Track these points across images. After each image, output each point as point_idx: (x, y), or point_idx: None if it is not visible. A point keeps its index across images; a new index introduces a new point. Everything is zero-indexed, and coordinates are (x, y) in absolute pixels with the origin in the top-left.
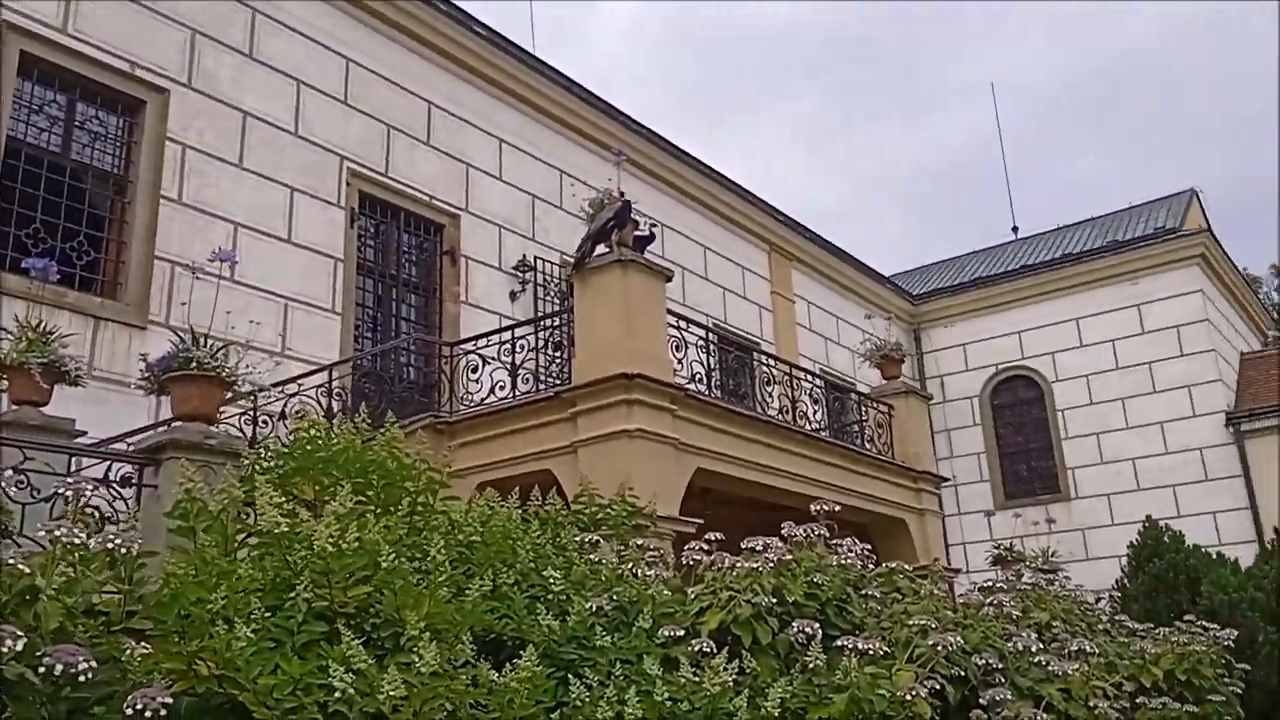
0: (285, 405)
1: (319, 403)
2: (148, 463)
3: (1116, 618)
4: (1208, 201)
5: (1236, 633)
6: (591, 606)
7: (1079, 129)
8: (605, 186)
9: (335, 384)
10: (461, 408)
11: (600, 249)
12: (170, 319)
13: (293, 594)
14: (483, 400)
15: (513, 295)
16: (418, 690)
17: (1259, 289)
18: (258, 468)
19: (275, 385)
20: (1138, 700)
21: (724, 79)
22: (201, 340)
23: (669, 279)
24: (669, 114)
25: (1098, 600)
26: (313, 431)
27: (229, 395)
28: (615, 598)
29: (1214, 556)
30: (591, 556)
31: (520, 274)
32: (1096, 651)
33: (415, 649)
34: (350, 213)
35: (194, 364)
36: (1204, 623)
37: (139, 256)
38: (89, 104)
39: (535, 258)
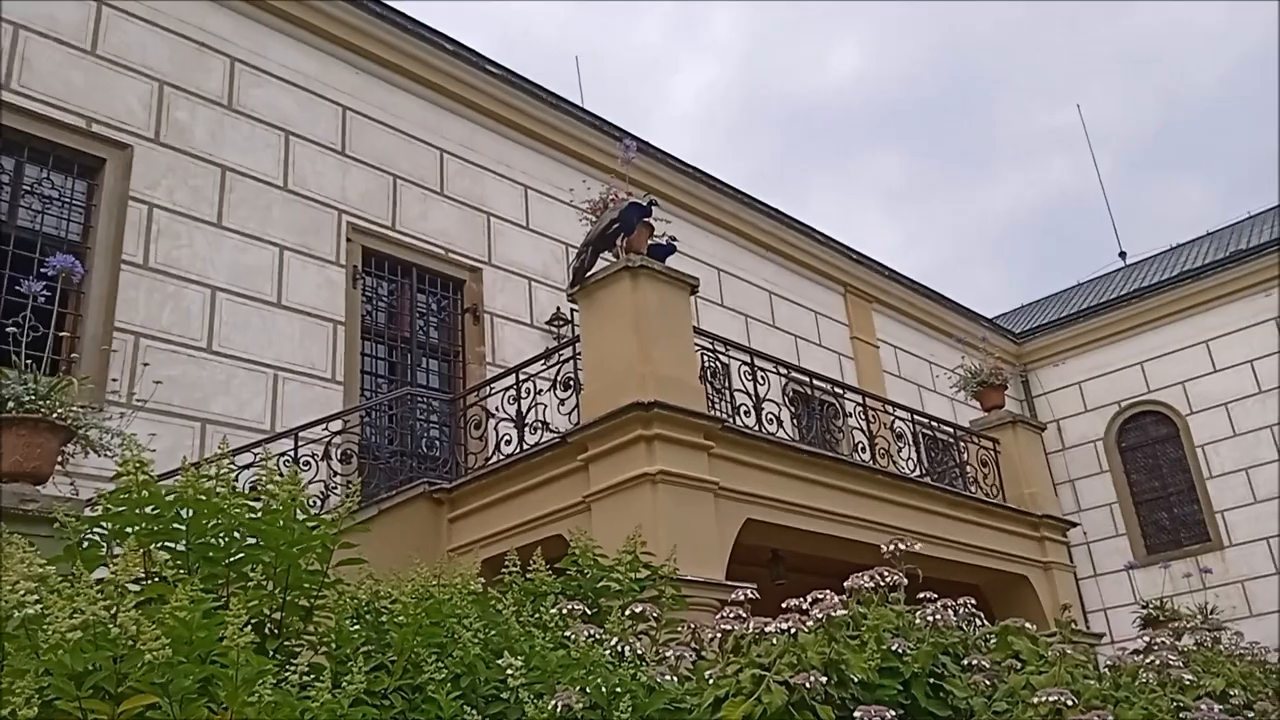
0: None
1: (280, 474)
2: None
3: None
4: None
5: None
6: (556, 705)
7: (1171, 159)
8: (609, 186)
9: (306, 451)
10: (466, 471)
11: (607, 259)
12: (135, 397)
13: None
14: (486, 460)
15: None
16: None
17: None
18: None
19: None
20: None
21: (802, 151)
22: (40, 379)
23: (694, 289)
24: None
25: None
26: (140, 476)
27: (67, 447)
28: (589, 691)
29: None
30: (567, 634)
31: (555, 329)
32: None
33: None
34: (352, 271)
35: (11, 404)
36: None
37: (94, 329)
38: (39, 165)
39: (571, 310)
